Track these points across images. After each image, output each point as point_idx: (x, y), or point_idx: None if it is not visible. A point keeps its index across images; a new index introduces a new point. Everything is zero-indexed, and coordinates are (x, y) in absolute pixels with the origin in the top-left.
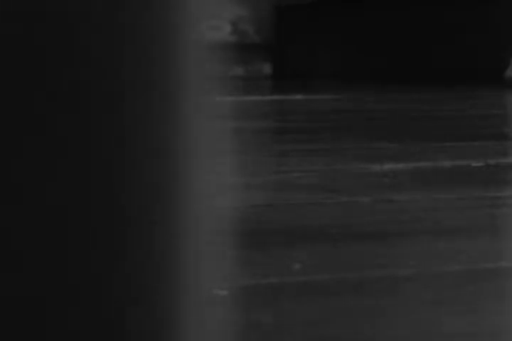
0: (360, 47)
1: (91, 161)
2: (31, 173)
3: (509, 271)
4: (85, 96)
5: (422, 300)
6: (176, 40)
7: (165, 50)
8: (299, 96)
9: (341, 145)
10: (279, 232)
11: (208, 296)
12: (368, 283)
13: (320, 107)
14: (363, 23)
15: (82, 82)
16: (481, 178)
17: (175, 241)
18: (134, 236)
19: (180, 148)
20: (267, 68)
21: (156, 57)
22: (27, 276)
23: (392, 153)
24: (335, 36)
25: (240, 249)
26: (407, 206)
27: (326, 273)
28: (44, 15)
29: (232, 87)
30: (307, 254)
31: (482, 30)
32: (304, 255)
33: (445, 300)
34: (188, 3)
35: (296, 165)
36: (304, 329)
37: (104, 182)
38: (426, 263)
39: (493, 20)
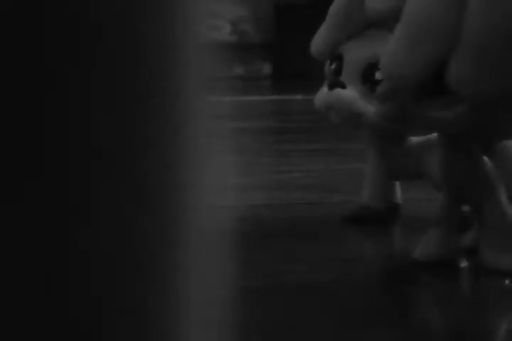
0: None
1: (90, 161)
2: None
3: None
4: (83, 96)
5: (422, 298)
6: (176, 40)
7: (165, 50)
8: (299, 96)
9: (341, 146)
10: (279, 232)
11: (207, 296)
12: (369, 283)
13: None
14: None
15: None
16: None
17: (175, 241)
18: (134, 236)
19: (180, 148)
20: (267, 68)
21: (156, 58)
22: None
23: None
24: None
25: (240, 248)
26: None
27: (327, 273)
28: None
29: (232, 87)
30: (307, 254)
31: None
32: (304, 255)
33: (445, 299)
34: (188, 3)
35: (296, 165)
36: (305, 330)
37: (102, 182)
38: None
39: None
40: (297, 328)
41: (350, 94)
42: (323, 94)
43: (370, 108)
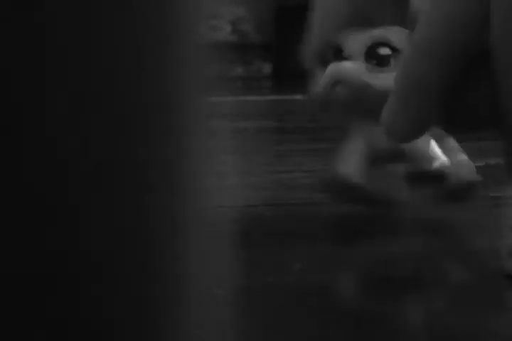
0: None
1: (93, 162)
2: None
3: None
4: (78, 97)
5: (420, 300)
6: (176, 40)
7: (165, 50)
8: (298, 96)
9: (341, 145)
10: (279, 232)
11: (207, 296)
12: (369, 283)
13: None
14: None
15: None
16: (481, 178)
17: (175, 241)
18: (134, 236)
19: (180, 148)
20: (267, 68)
21: (156, 58)
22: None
23: None
24: None
25: (240, 248)
26: (406, 205)
27: (326, 273)
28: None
29: (232, 87)
30: (307, 254)
31: None
32: (304, 255)
33: (440, 301)
34: (188, 3)
35: (296, 165)
36: (305, 330)
37: (103, 181)
38: (425, 262)
39: None
40: (297, 328)
41: (356, 65)
42: (325, 73)
43: (377, 81)
